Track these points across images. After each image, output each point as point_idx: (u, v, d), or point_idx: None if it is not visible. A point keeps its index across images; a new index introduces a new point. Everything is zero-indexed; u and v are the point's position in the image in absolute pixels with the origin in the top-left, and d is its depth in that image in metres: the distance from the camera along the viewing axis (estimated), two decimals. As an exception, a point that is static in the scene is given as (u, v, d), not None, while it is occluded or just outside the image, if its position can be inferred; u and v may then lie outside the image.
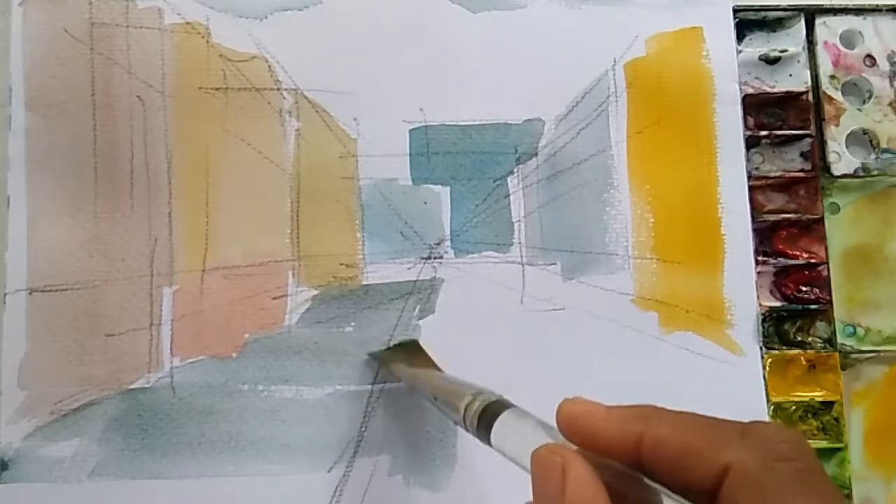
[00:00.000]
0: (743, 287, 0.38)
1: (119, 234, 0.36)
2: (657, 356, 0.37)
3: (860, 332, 0.39)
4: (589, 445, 0.23)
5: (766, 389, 0.37)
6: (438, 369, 0.33)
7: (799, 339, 0.38)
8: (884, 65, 0.40)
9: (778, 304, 0.39)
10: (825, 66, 0.40)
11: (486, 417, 0.26)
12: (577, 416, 0.23)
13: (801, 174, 0.39)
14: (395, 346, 0.36)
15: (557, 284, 0.37)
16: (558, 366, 0.37)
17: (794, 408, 0.37)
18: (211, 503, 0.35)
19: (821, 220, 0.39)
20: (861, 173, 0.39)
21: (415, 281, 0.37)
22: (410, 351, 0.36)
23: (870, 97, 0.40)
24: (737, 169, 0.39)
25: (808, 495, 0.20)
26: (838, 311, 0.39)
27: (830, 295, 0.39)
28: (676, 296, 0.38)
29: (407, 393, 0.36)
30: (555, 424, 0.24)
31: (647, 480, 0.22)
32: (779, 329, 0.39)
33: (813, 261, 0.39)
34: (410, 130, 0.38)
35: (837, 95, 0.40)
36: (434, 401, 0.30)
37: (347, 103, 0.38)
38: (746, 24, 0.41)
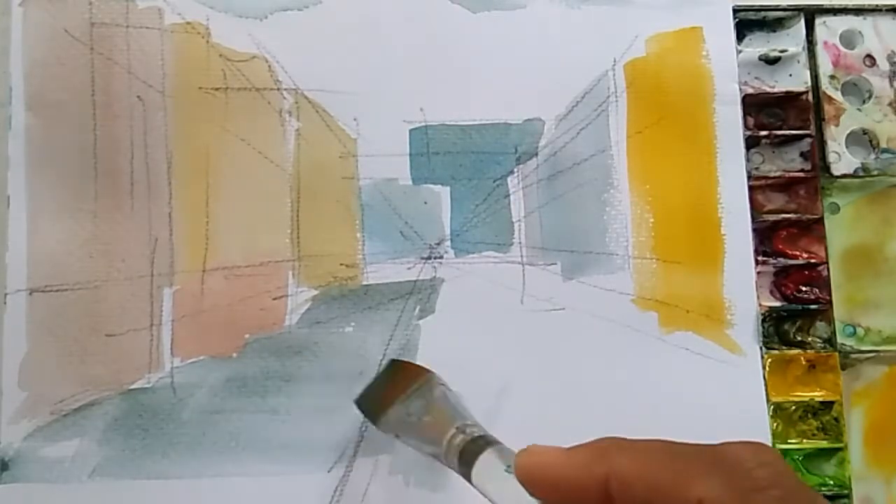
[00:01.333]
0: (743, 287, 0.38)
1: (119, 234, 0.36)
2: (657, 356, 0.37)
3: (860, 332, 0.39)
4: (556, 499, 0.21)
5: (766, 389, 0.37)
6: (426, 377, 0.32)
7: (799, 339, 0.38)
8: (884, 65, 0.40)
9: (778, 304, 0.39)
10: (825, 66, 0.40)
11: (466, 455, 0.25)
12: (535, 468, 0.22)
13: (801, 174, 0.39)
14: (378, 381, 0.35)
15: (557, 284, 0.37)
16: (558, 366, 0.37)
17: (793, 408, 0.37)
18: (211, 503, 0.35)
19: (821, 220, 0.39)
20: (861, 173, 0.39)
21: (415, 281, 0.37)
22: (395, 377, 0.34)
23: (870, 97, 0.40)
24: (737, 169, 0.39)
25: None
26: (838, 311, 0.39)
27: (830, 295, 0.39)
28: (676, 296, 0.38)
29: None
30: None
31: None
32: (779, 329, 0.39)
33: (813, 261, 0.39)
34: (410, 130, 0.38)
35: (837, 95, 0.40)
36: (421, 452, 0.30)
37: (347, 103, 0.38)
38: (746, 24, 0.41)
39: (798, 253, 0.39)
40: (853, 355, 0.38)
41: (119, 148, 0.36)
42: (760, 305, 0.38)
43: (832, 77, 0.40)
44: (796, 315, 0.39)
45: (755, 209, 0.39)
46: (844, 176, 0.39)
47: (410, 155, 0.38)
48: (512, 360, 0.37)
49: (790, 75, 0.40)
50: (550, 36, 0.39)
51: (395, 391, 0.32)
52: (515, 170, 0.38)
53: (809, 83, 0.40)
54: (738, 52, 0.40)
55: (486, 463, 0.24)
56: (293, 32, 0.38)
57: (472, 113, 0.38)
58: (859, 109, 0.40)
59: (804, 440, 0.37)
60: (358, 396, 0.34)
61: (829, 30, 0.40)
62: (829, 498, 0.37)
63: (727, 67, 0.39)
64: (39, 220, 0.36)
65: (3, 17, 0.37)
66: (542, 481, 0.22)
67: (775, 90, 0.40)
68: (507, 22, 0.39)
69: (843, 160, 0.39)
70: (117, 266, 0.36)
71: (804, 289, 0.39)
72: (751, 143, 0.39)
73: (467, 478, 0.25)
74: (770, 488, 0.19)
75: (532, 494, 0.22)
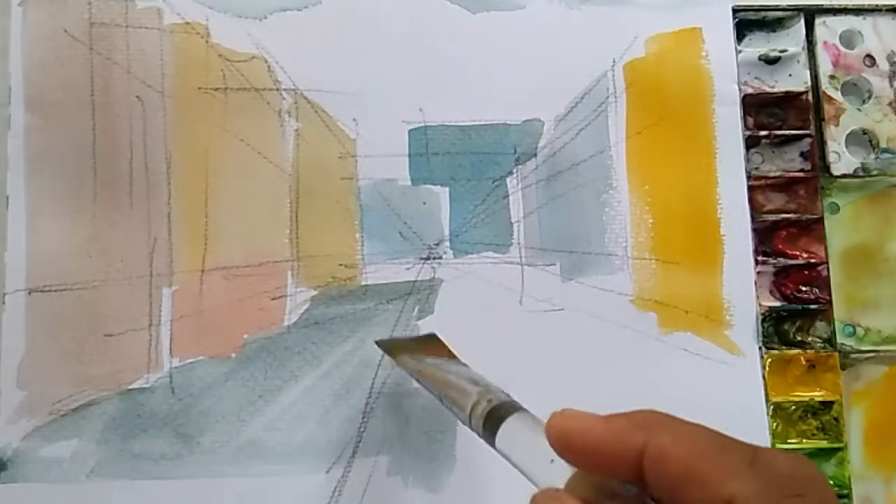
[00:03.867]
0: (742, 287, 0.38)
1: (118, 234, 0.36)
2: (656, 357, 0.37)
3: (860, 331, 0.39)
4: (587, 464, 0.21)
5: (766, 389, 0.37)
6: (455, 358, 0.32)
7: (799, 339, 0.38)
8: (883, 65, 0.40)
9: (777, 304, 0.39)
10: (825, 66, 0.40)
11: (491, 420, 0.25)
12: (572, 432, 0.21)
13: (801, 174, 0.39)
14: (408, 339, 0.35)
15: (556, 285, 0.37)
16: (557, 366, 0.37)
17: (793, 408, 0.37)
18: (209, 503, 0.35)
19: (820, 220, 0.39)
20: (861, 173, 0.39)
21: (414, 281, 0.37)
22: (425, 343, 0.34)
23: (869, 97, 0.40)
24: (736, 169, 0.39)
25: None
26: (838, 311, 0.39)
27: (830, 295, 0.39)
28: (675, 296, 0.38)
29: (406, 392, 0.36)
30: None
31: None
32: (778, 329, 0.39)
33: (812, 261, 0.39)
34: (410, 131, 0.38)
35: (837, 95, 0.40)
36: (441, 401, 0.29)
37: (347, 103, 0.38)
38: (746, 24, 0.40)
39: (798, 253, 0.39)
40: (853, 355, 0.38)
41: (118, 148, 0.37)
42: (760, 305, 0.38)
43: (832, 77, 0.40)
44: (796, 315, 0.39)
45: (755, 209, 0.39)
46: (844, 176, 0.39)
47: (409, 155, 0.38)
48: (511, 361, 0.37)
49: (790, 75, 0.40)
50: (550, 36, 0.39)
51: (427, 348, 0.32)
52: (514, 170, 0.38)
53: (809, 83, 0.40)
54: (738, 52, 0.40)
55: (513, 427, 0.24)
56: (293, 32, 0.38)
57: (471, 113, 0.38)
58: (859, 109, 0.40)
59: (804, 440, 0.37)
60: (383, 339, 0.35)
61: (828, 30, 0.40)
62: (829, 498, 0.37)
63: (727, 68, 0.39)
64: (38, 220, 0.36)
65: (2, 17, 0.37)
66: (575, 445, 0.21)
67: (775, 90, 0.40)
68: (506, 22, 0.39)
69: (842, 160, 0.39)
70: (116, 266, 0.36)
71: (804, 289, 0.39)
72: (751, 143, 0.39)
73: (491, 442, 0.25)
74: (803, 496, 0.19)
75: (562, 457, 0.21)
